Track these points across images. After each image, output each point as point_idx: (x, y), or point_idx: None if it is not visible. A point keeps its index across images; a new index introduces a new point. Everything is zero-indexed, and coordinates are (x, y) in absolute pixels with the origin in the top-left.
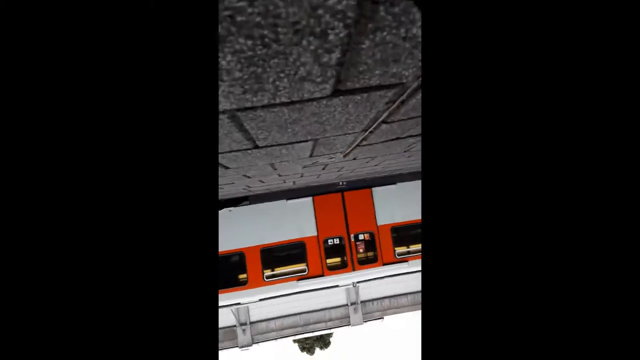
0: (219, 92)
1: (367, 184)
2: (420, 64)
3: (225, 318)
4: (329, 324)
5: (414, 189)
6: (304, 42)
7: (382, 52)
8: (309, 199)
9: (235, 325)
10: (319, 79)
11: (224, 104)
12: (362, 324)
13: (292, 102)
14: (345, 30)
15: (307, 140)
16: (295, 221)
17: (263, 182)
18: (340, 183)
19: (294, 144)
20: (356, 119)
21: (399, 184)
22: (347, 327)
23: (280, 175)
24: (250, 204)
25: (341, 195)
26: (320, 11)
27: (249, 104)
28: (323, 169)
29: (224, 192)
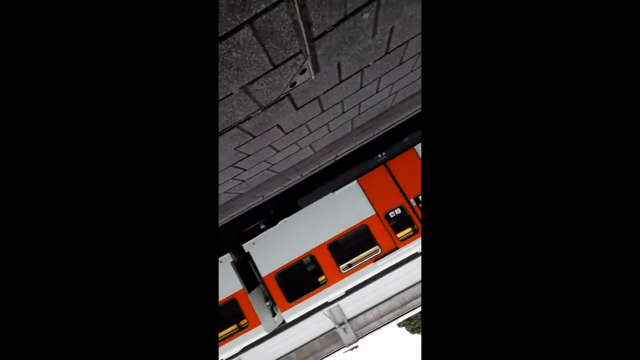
0: None
1: (408, 145)
2: None
3: (323, 323)
4: None
5: None
6: None
7: None
8: (354, 182)
9: (334, 328)
10: None
11: None
12: None
13: None
14: None
15: None
16: (350, 208)
17: (276, 149)
18: (379, 155)
19: None
20: None
21: None
22: None
23: (285, 133)
24: (300, 208)
25: (385, 167)
26: None
27: None
28: (321, 108)
29: (249, 177)
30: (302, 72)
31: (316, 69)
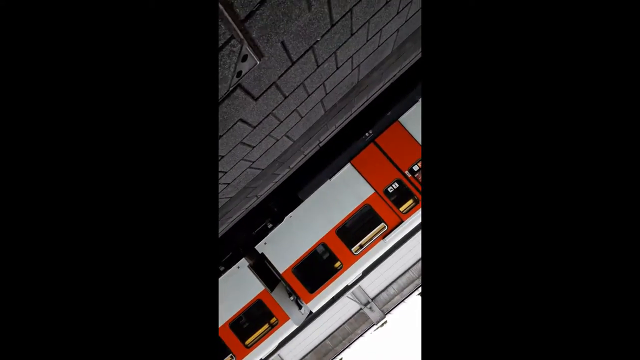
0: None
1: (392, 118)
2: None
3: (349, 306)
4: None
5: None
6: None
7: None
8: (348, 165)
9: (361, 309)
10: None
11: None
12: None
13: None
14: None
15: None
16: (349, 191)
17: (250, 145)
18: (367, 134)
19: None
20: None
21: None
22: None
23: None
24: (302, 200)
25: (375, 144)
26: None
27: None
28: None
29: (232, 179)
30: (244, 59)
31: (259, 54)
